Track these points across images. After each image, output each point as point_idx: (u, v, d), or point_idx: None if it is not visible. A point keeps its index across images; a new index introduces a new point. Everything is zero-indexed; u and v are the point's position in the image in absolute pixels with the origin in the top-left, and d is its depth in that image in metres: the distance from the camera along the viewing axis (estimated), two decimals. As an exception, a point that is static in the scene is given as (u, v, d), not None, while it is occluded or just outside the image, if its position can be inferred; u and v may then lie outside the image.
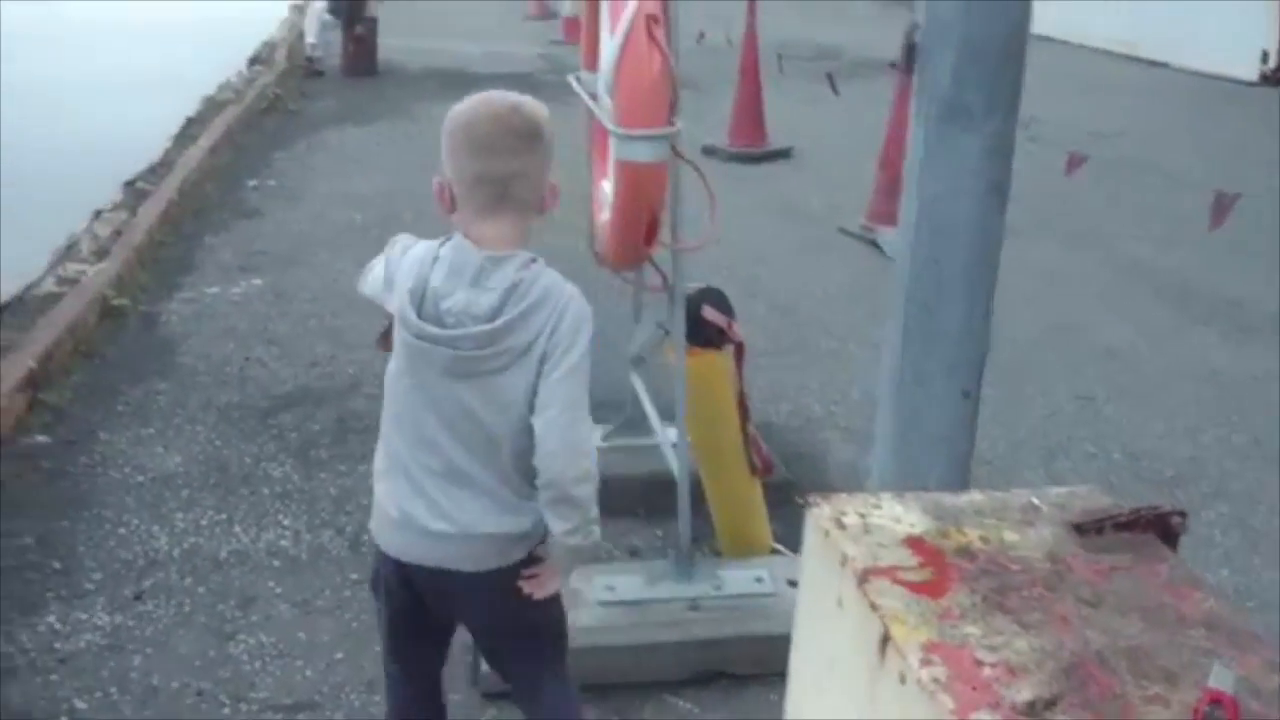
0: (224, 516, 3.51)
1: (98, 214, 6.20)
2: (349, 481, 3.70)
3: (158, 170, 7.31)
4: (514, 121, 1.93)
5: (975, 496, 1.44)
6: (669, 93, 2.52)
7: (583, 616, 2.76)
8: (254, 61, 12.31)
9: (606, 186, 2.94)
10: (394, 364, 1.97)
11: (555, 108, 7.77)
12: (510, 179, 1.91)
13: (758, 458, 3.08)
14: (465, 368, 1.89)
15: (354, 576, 3.20)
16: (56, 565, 3.23)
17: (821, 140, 8.76)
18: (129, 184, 6.87)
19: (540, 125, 1.95)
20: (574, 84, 3.07)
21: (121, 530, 3.41)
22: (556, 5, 16.40)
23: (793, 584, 2.89)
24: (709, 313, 2.85)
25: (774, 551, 3.19)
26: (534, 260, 1.95)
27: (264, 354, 4.70)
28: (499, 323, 1.87)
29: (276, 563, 3.29)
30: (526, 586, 2.00)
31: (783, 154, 8.29)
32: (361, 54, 11.45)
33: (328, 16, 11.71)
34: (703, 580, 2.88)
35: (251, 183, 7.41)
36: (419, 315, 1.89)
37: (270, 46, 13.12)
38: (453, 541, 1.94)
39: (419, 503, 1.94)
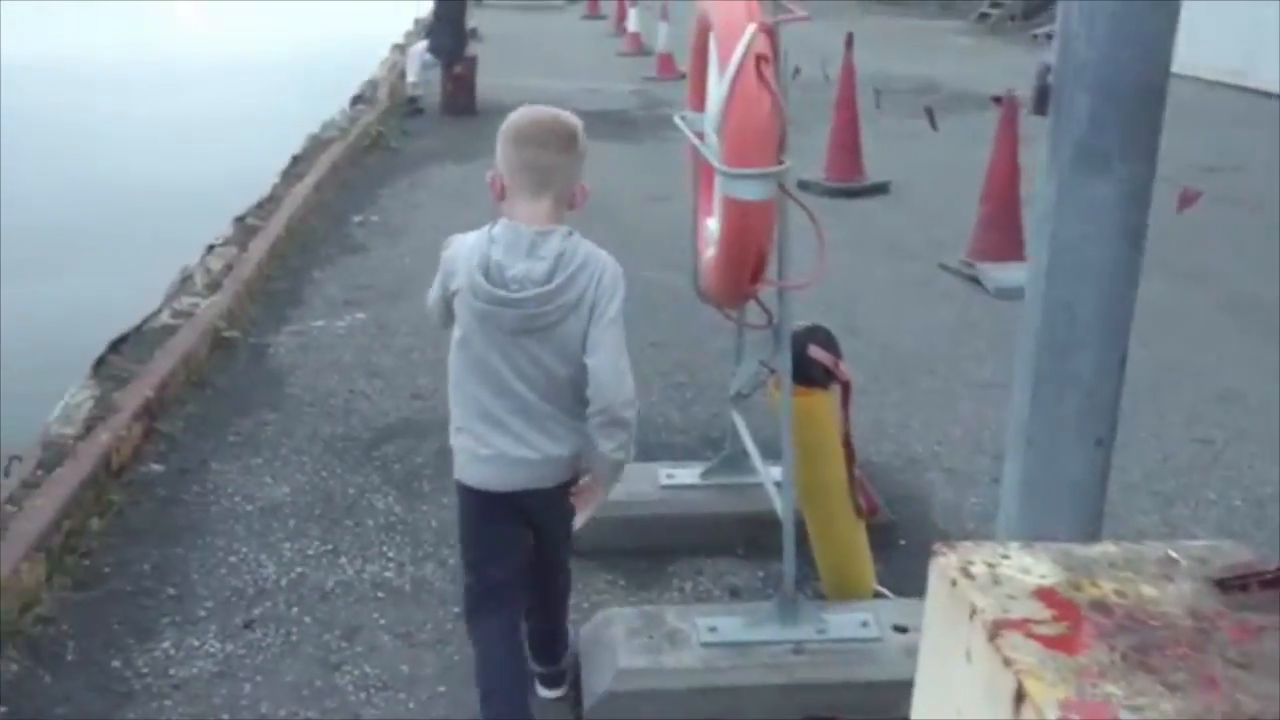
0: (329, 547, 3.57)
1: (210, 248, 6.41)
2: (450, 515, 3.72)
3: (266, 206, 7.54)
4: (555, 125, 2.40)
5: (1108, 548, 1.38)
6: (778, 132, 2.51)
7: (685, 657, 2.74)
8: (357, 100, 12.65)
9: (712, 224, 2.94)
10: (459, 333, 2.42)
11: (650, 143, 7.92)
12: (550, 169, 2.36)
13: (863, 499, 3.03)
14: (531, 323, 2.34)
15: (455, 610, 3.22)
16: (171, 592, 3.31)
17: (920, 175, 8.68)
18: (239, 220, 7.09)
19: (576, 131, 2.41)
20: (679, 123, 3.08)
21: (232, 559, 3.49)
22: (650, 42, 16.58)
23: (899, 629, 2.84)
24: (815, 351, 2.82)
25: (878, 594, 3.14)
26: (572, 233, 2.40)
27: (368, 386, 4.79)
28: (554, 284, 2.33)
29: (380, 594, 3.33)
30: (579, 502, 2.56)
31: (880, 189, 8.22)
32: (461, 92, 11.70)
33: (428, 56, 12.00)
34: (807, 623, 2.83)
35: (356, 219, 7.60)
36: (495, 286, 2.32)
37: (372, 85, 13.48)
38: (534, 465, 2.44)
39: (506, 438, 2.41)
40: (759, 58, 2.46)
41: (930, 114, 6.68)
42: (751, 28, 2.46)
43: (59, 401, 4.25)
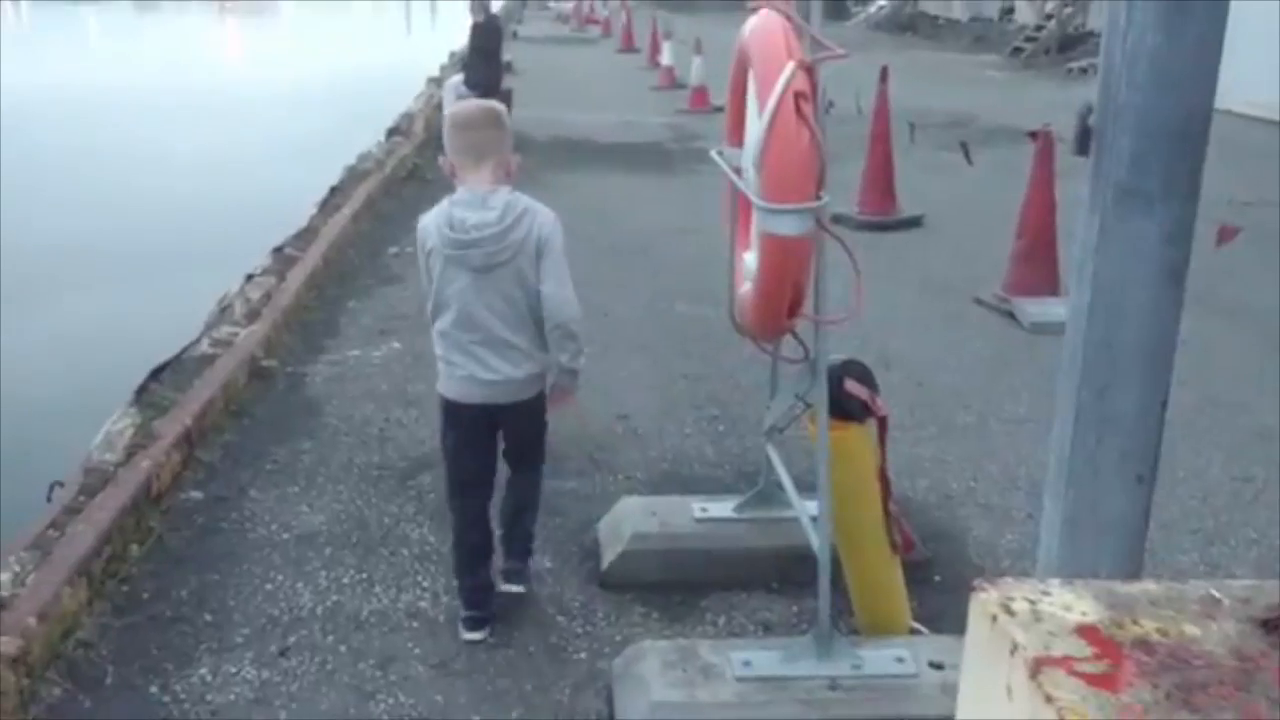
0: (364, 576, 3.60)
1: (249, 278, 6.50)
2: (485, 545, 3.76)
3: (304, 236, 7.63)
4: (483, 110, 3.19)
5: (1149, 586, 1.38)
6: (816, 168, 2.53)
7: (720, 691, 2.73)
8: (393, 133, 12.81)
9: (749, 258, 2.96)
10: (436, 286, 3.06)
11: (683, 176, 7.96)
12: (484, 144, 3.06)
13: (899, 535, 3.02)
14: (491, 259, 2.98)
15: (491, 640, 3.23)
16: (208, 619, 3.35)
17: (953, 208, 8.67)
18: (278, 250, 7.18)
19: (500, 113, 3.16)
20: (716, 158, 3.11)
21: (268, 586, 3.52)
22: (683, 75, 16.70)
23: (935, 665, 2.82)
24: (852, 386, 2.82)
25: (913, 631, 3.12)
26: (513, 190, 3.06)
27: (403, 415, 4.83)
28: (504, 225, 2.98)
29: (415, 624, 3.35)
30: (552, 407, 3.28)
31: (914, 222, 8.22)
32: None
33: (464, 89, 12.13)
34: (842, 659, 2.82)
35: (392, 249, 7.68)
36: (455, 236, 2.98)
37: (408, 118, 13.65)
38: (494, 385, 3.10)
39: (473, 364, 3.08)
40: (798, 95, 2.48)
41: (965, 149, 6.69)
42: (791, 65, 2.49)
43: (101, 428, 4.31)
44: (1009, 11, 25.40)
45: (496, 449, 3.31)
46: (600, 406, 4.93)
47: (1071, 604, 1.34)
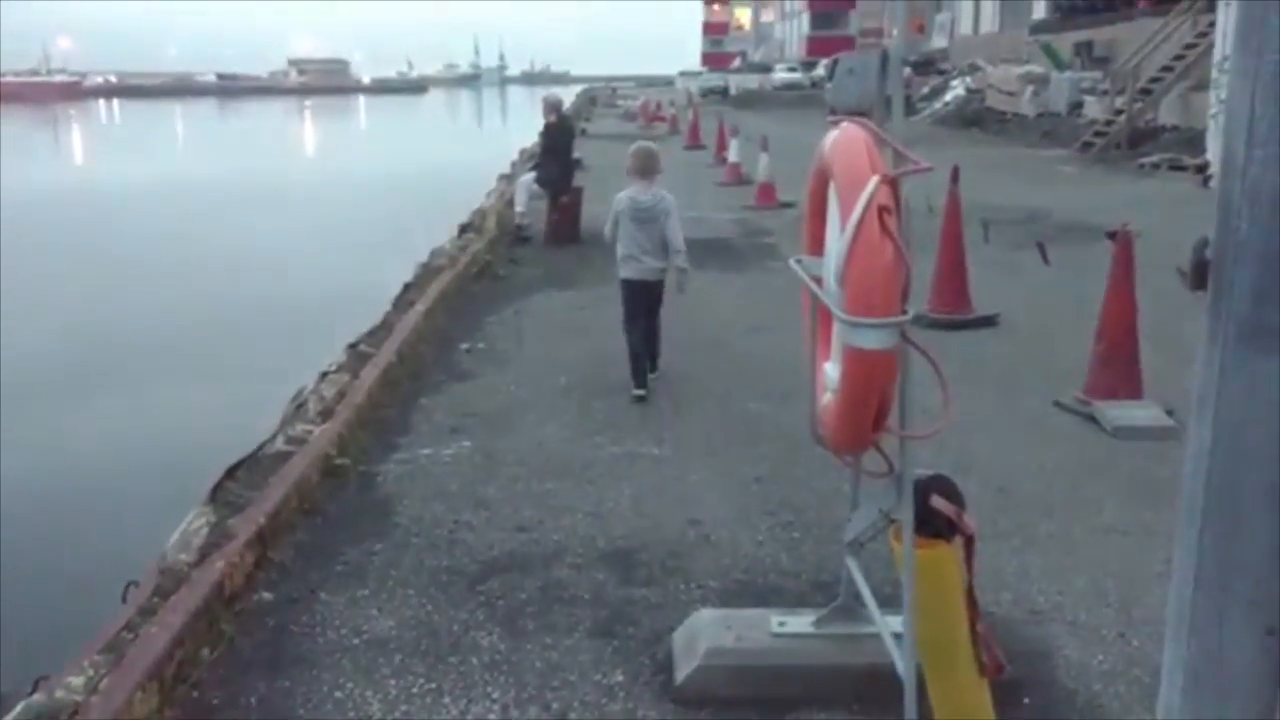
0: (433, 685, 3.53)
1: (324, 375, 6.58)
2: (555, 655, 3.68)
3: (378, 333, 7.74)
4: (648, 150, 6.59)
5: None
6: (900, 281, 2.49)
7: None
8: (465, 229, 13.06)
9: (830, 370, 2.91)
10: (621, 229, 6.41)
11: (752, 273, 7.98)
12: (648, 168, 6.45)
13: (987, 656, 2.89)
14: (646, 215, 6.34)
15: None
16: (276, 727, 3.30)
17: (1028, 308, 8.55)
18: (352, 346, 7.29)
19: (656, 151, 6.68)
20: (795, 267, 3.09)
21: (338, 694, 3.47)
22: (750, 172, 16.87)
23: (1030, 801, 2.67)
24: (938, 502, 2.74)
25: (1003, 759, 2.97)
26: (659, 188, 6.44)
27: (473, 517, 4.80)
28: (653, 203, 6.35)
29: (484, 738, 3.27)
30: (674, 289, 6.57)
31: (988, 321, 8.11)
32: (566, 222, 11.99)
33: (536, 187, 12.37)
34: (929, 790, 2.68)
35: (464, 346, 7.75)
36: (634, 206, 6.34)
37: (480, 214, 13.92)
38: (649, 270, 6.46)
39: (635, 264, 6.45)
40: (881, 209, 2.45)
41: (1042, 249, 6.60)
42: (874, 179, 2.47)
43: (178, 527, 4.34)
44: (1077, 106, 25.41)
45: (644, 304, 6.56)
46: (671, 510, 4.86)
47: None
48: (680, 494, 5.06)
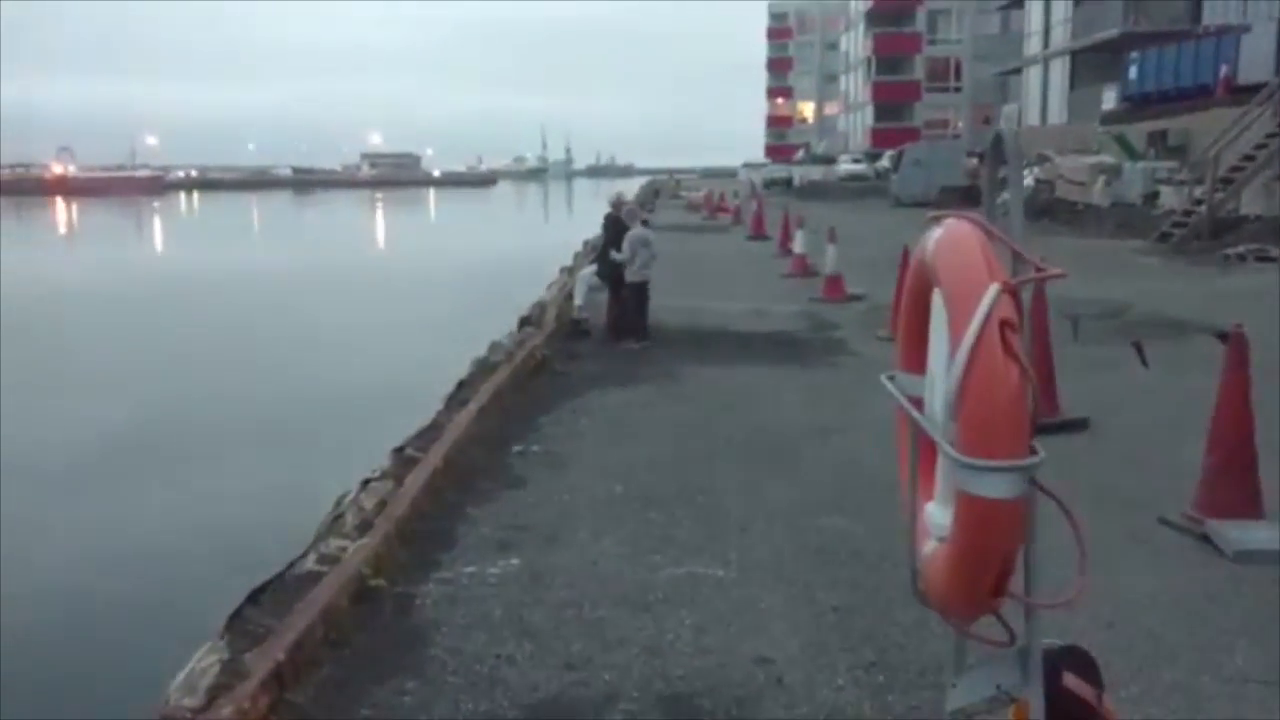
0: None
1: (365, 483, 6.18)
2: (603, 831, 3.16)
3: (426, 435, 7.35)
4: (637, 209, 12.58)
5: None
6: (1028, 413, 2.01)
7: None
8: (525, 322, 12.75)
9: (935, 512, 2.40)
10: (640, 254, 11.36)
11: (820, 370, 7.34)
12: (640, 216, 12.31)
13: None
14: (652, 249, 11.82)
15: None
16: None
17: (1120, 409, 7.95)
18: (398, 450, 6.89)
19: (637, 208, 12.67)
20: (888, 384, 2.61)
21: None
22: (816, 263, 16.45)
23: None
24: (1071, 681, 2.21)
25: None
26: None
27: (516, 650, 4.32)
28: (652, 237, 11.96)
29: None
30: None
31: (1079, 425, 7.50)
32: (627, 315, 11.62)
33: (595, 280, 12.06)
34: None
35: (517, 448, 7.33)
36: (646, 238, 11.57)
37: (540, 308, 13.61)
38: (649, 276, 11.71)
39: (645, 270, 11.46)
40: (1004, 324, 1.99)
41: (1140, 350, 6.06)
42: (994, 288, 2.00)
43: (187, 663, 3.91)
44: (1153, 196, 24.73)
45: (648, 299, 11.37)
46: (737, 646, 4.33)
47: None
48: (748, 624, 4.53)
